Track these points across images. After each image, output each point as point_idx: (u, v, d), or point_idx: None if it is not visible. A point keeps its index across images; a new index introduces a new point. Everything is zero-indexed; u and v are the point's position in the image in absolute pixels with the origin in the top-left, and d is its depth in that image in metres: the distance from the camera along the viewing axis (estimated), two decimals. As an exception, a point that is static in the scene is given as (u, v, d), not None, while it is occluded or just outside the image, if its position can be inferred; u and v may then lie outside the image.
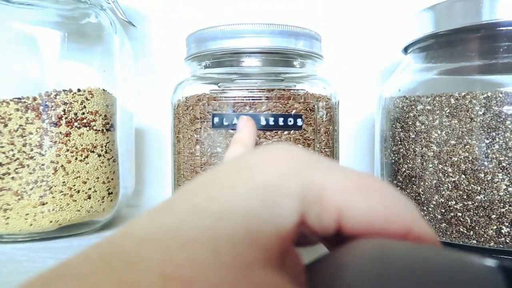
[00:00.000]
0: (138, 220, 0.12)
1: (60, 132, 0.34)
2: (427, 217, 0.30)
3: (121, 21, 0.41)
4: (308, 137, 0.31)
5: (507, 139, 0.27)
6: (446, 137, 0.29)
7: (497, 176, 0.27)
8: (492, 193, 0.27)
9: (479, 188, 0.28)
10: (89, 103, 0.36)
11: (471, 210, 0.28)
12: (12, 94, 0.33)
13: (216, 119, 0.30)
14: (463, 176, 0.28)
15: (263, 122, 0.30)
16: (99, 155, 0.37)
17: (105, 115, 0.37)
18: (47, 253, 0.31)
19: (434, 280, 0.10)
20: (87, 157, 0.35)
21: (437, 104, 0.30)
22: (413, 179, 0.31)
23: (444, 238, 0.29)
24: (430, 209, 0.30)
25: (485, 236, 0.27)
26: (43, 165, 0.33)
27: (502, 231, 0.27)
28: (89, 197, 0.36)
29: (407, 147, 0.32)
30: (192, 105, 0.31)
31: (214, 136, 0.31)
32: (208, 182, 0.13)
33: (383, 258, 0.11)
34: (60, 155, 0.34)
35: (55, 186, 0.34)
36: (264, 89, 0.31)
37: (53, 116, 0.34)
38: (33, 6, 0.35)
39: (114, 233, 0.12)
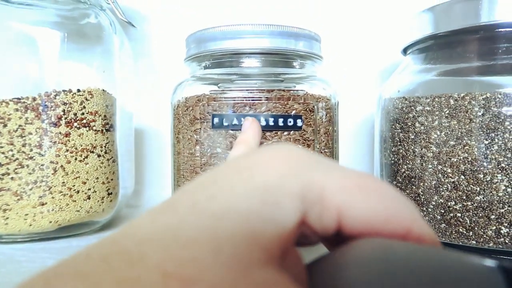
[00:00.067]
0: (138, 220, 0.12)
1: (60, 133, 0.34)
2: (427, 218, 0.30)
3: (120, 21, 0.41)
4: (308, 137, 0.31)
5: (506, 140, 0.27)
6: (445, 138, 0.29)
7: (496, 176, 0.27)
8: (491, 193, 0.27)
9: (478, 189, 0.28)
10: (88, 104, 0.36)
11: (471, 211, 0.28)
12: (11, 94, 0.33)
13: (216, 120, 0.30)
14: (462, 176, 0.28)
15: (263, 123, 0.30)
16: (99, 156, 0.37)
17: (105, 116, 0.37)
18: (47, 253, 0.31)
19: (434, 280, 0.10)
20: (86, 157, 0.35)
21: (436, 105, 0.30)
22: (413, 179, 0.31)
23: (444, 239, 0.29)
24: (430, 209, 0.30)
25: (485, 236, 0.27)
26: (42, 165, 0.33)
27: (501, 231, 0.27)
28: (89, 198, 0.36)
29: (407, 147, 0.32)
30: (192, 106, 0.31)
31: (214, 136, 0.31)
32: (208, 182, 0.13)
33: (383, 258, 0.11)
34: (59, 156, 0.34)
35: (54, 187, 0.34)
36: (264, 90, 0.31)
37: (53, 117, 0.34)
38: (32, 6, 0.35)
39: (115, 233, 0.12)
